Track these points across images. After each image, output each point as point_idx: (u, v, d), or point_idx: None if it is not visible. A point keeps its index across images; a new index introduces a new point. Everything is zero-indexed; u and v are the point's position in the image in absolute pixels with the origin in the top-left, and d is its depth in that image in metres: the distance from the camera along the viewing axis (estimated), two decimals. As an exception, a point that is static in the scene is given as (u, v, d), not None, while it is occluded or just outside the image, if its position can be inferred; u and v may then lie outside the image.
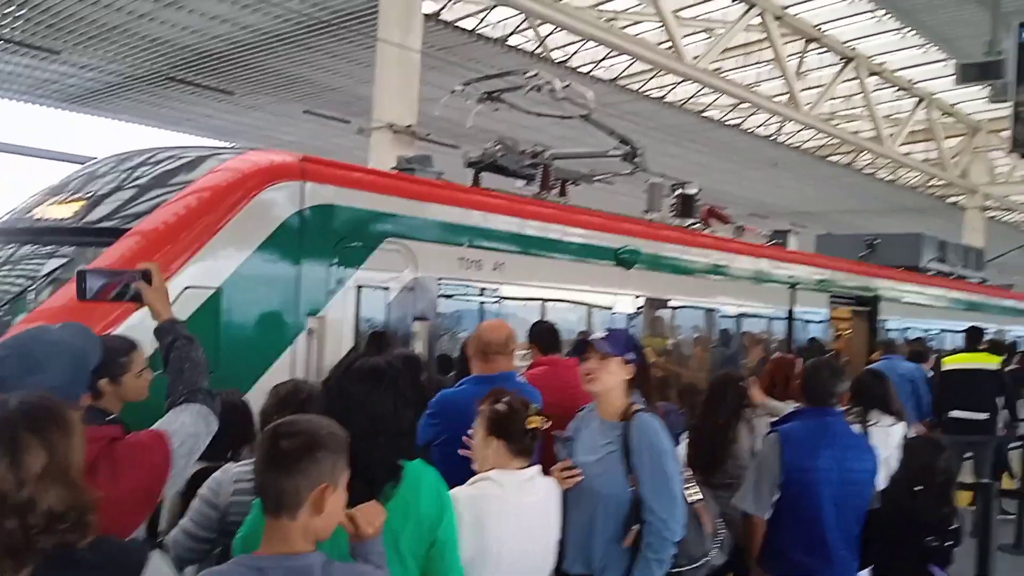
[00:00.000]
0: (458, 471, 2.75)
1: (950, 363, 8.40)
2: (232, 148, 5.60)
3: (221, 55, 13.19)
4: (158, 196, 4.07)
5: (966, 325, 10.11)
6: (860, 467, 3.39)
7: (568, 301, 6.16)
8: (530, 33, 14.62)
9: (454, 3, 13.55)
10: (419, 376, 3.91)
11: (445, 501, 2.33)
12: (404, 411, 2.26)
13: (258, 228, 4.05)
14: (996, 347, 8.94)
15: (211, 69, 13.83)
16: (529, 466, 2.70)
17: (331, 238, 4.38)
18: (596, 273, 6.23)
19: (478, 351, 3.45)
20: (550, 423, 2.85)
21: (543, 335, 4.35)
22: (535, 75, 6.68)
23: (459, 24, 12.29)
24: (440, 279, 4.98)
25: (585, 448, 2.97)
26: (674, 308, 7.38)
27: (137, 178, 4.35)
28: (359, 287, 4.50)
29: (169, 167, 4.36)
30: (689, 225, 7.69)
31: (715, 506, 3.17)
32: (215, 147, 6.67)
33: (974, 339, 8.53)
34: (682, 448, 4.00)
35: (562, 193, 6.76)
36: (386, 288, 4.65)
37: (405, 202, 4.81)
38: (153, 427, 2.14)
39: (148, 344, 2.64)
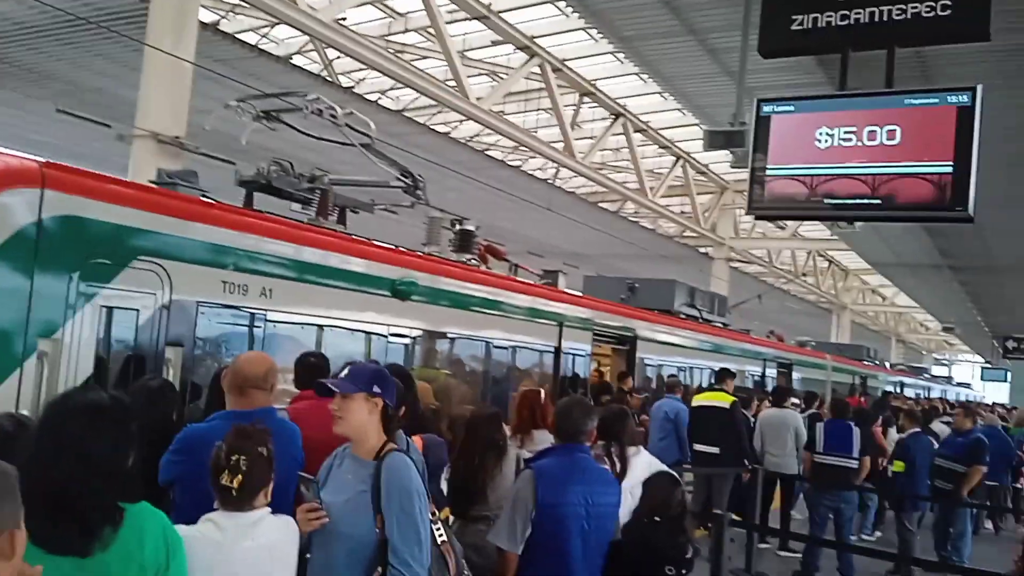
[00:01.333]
0: (203, 512, 2.60)
1: (697, 400, 9.20)
2: (-39, 145, 4.94)
3: (-40, 42, 11.65)
4: None
5: (711, 363, 11.12)
6: (605, 500, 3.58)
7: (342, 330, 6.02)
8: (316, 55, 14.39)
9: (235, 16, 13.02)
10: (167, 407, 3.62)
11: (173, 546, 2.18)
12: (126, 450, 2.07)
13: (-17, 237, 3.59)
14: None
15: (-53, 56, 12.17)
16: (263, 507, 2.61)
17: (73, 253, 3.98)
18: (372, 303, 6.16)
19: (233, 385, 3.24)
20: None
21: (309, 368, 4.19)
22: (316, 98, 6.54)
23: (240, 37, 11.79)
24: (199, 303, 4.68)
25: (336, 488, 2.89)
26: (449, 340, 7.48)
27: None
28: (105, 308, 4.10)
29: None
30: (467, 260, 7.85)
31: (460, 546, 3.19)
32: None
33: (722, 378, 9.38)
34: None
35: (340, 220, 6.64)
36: (136, 310, 4.28)
37: (162, 218, 4.48)
38: None
39: None
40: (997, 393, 36.01)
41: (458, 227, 8.07)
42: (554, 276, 9.75)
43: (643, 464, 4.54)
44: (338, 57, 13.37)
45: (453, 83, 12.13)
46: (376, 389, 2.92)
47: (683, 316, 12.86)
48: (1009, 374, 33.33)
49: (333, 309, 5.84)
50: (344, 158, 9.37)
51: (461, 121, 16.20)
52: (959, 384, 44.60)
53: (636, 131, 16.63)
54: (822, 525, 8.47)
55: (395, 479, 2.81)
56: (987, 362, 40.94)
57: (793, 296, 31.78)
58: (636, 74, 13.76)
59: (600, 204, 20.97)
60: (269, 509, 2.67)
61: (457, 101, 11.92)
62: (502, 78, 14.14)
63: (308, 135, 6.97)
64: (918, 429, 9.35)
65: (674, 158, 18.79)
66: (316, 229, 6.00)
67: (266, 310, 5.16)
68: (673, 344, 12.17)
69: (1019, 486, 12.55)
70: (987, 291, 23.80)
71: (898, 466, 9.07)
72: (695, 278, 17.79)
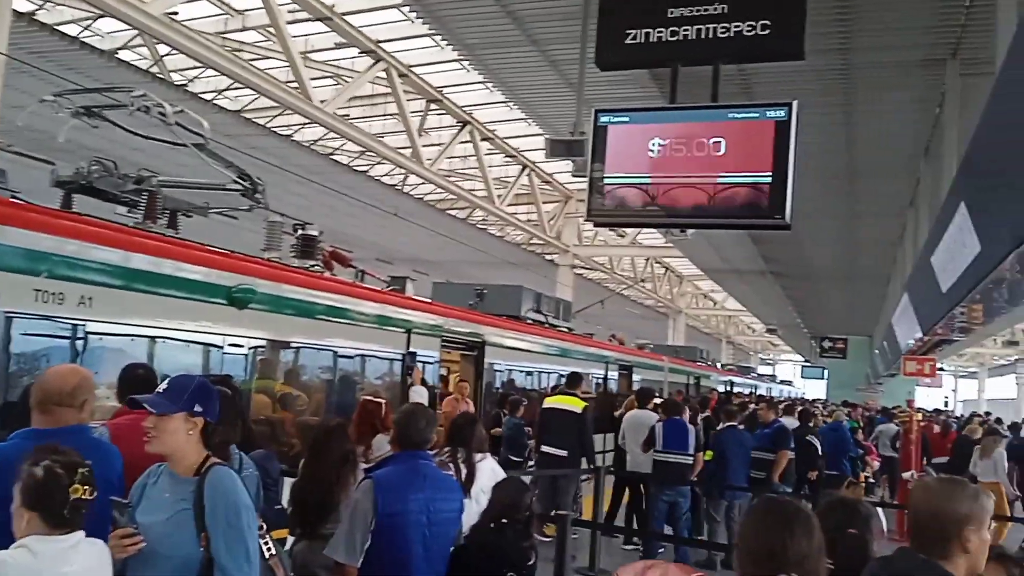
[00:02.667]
0: (5, 537, 2.39)
1: (548, 402, 9.39)
2: None
3: None
4: None
5: (557, 368, 11.35)
6: (448, 507, 3.56)
7: (174, 341, 5.68)
8: (147, 51, 13.57)
9: (54, 5, 12.07)
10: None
11: None
12: None
13: None
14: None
15: None
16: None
17: None
18: (206, 312, 5.85)
19: (38, 401, 2.95)
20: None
21: (133, 381, 3.90)
22: (143, 95, 6.15)
23: (60, 28, 10.92)
24: (7, 313, 4.27)
25: (153, 507, 2.70)
26: (291, 350, 7.23)
27: None
28: None
29: None
30: (310, 266, 7.62)
31: (288, 560, 3.08)
32: None
33: (572, 382, 9.62)
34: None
35: (171, 224, 6.27)
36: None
37: (-40, 222, 4.06)
38: None
39: None
40: (815, 390, 39.08)
41: (300, 232, 7.82)
42: (402, 283, 9.66)
43: (488, 470, 4.57)
44: (169, 53, 12.67)
45: (295, 85, 11.79)
46: (197, 408, 2.75)
47: (530, 321, 13.11)
48: (826, 372, 36.18)
49: (162, 318, 5.50)
50: (178, 159, 8.90)
51: (304, 124, 15.76)
52: (782, 382, 48.11)
53: (483, 139, 16.80)
54: (660, 520, 8.86)
55: (220, 493, 2.67)
56: (806, 361, 44.39)
57: (633, 301, 33.17)
58: (482, 83, 13.91)
59: (449, 211, 21.02)
60: (83, 533, 2.47)
61: (299, 103, 11.58)
62: (347, 81, 13.88)
63: (134, 134, 6.53)
64: (733, 423, 9.99)
65: (520, 167, 19.14)
66: (143, 233, 5.63)
67: (86, 320, 4.79)
68: (521, 349, 12.37)
69: (863, 476, 13.80)
70: (805, 295, 25.83)
71: (708, 455, 9.61)
72: (541, 284, 18.17)
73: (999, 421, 19.69)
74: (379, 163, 17.85)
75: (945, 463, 14.27)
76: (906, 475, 11.83)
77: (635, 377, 17.80)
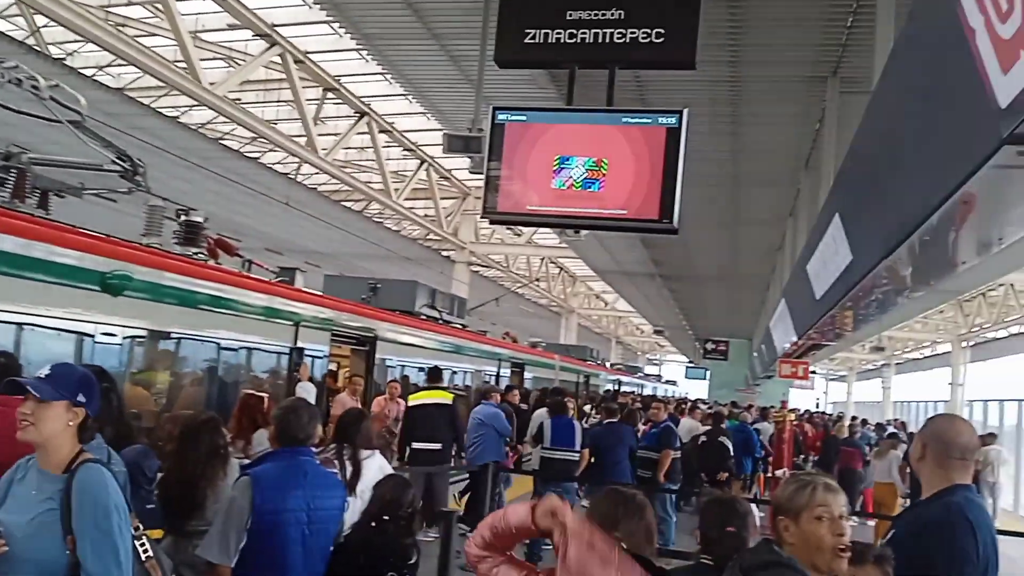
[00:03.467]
0: None
1: (415, 399, 9.34)
2: None
3: None
4: None
5: (450, 364, 11.30)
6: (328, 504, 3.47)
7: (40, 328, 5.32)
8: (23, 21, 12.71)
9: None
10: None
11: None
12: None
13: None
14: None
15: None
16: None
17: None
18: (77, 298, 5.52)
19: None
20: None
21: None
22: (15, 66, 5.75)
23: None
24: None
25: (18, 506, 2.52)
26: (171, 340, 6.91)
27: None
28: None
29: None
30: (193, 254, 7.31)
31: (169, 562, 2.94)
32: None
33: (435, 376, 9.61)
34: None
35: (42, 205, 5.88)
36: None
37: None
38: None
39: None
40: (698, 390, 40.52)
41: (184, 218, 7.48)
42: (291, 274, 9.39)
43: (375, 467, 4.50)
44: (47, 24, 11.89)
45: (183, 64, 11.28)
46: (81, 398, 2.61)
47: (424, 317, 13.02)
48: (708, 372, 37.59)
49: (28, 304, 5.15)
50: (52, 137, 8.37)
51: (192, 106, 15.11)
52: (667, 382, 49.69)
53: (381, 131, 16.56)
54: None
55: (88, 494, 2.51)
56: (690, 362, 45.99)
57: (527, 299, 33.51)
58: (381, 74, 13.71)
59: (344, 203, 20.63)
60: None
61: (187, 84, 11.09)
62: (239, 64, 13.39)
63: (3, 107, 6.09)
64: (613, 420, 10.22)
65: (419, 161, 18.98)
66: (9, 213, 5.26)
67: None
68: (413, 345, 12.27)
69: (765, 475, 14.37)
70: (690, 298, 26.76)
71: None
72: (438, 281, 18.10)
73: (864, 423, 20.94)
74: (272, 150, 17.33)
75: (816, 460, 15.08)
76: (779, 472, 12.42)
77: (527, 375, 17.97)
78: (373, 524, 3.65)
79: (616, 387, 29.27)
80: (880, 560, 2.64)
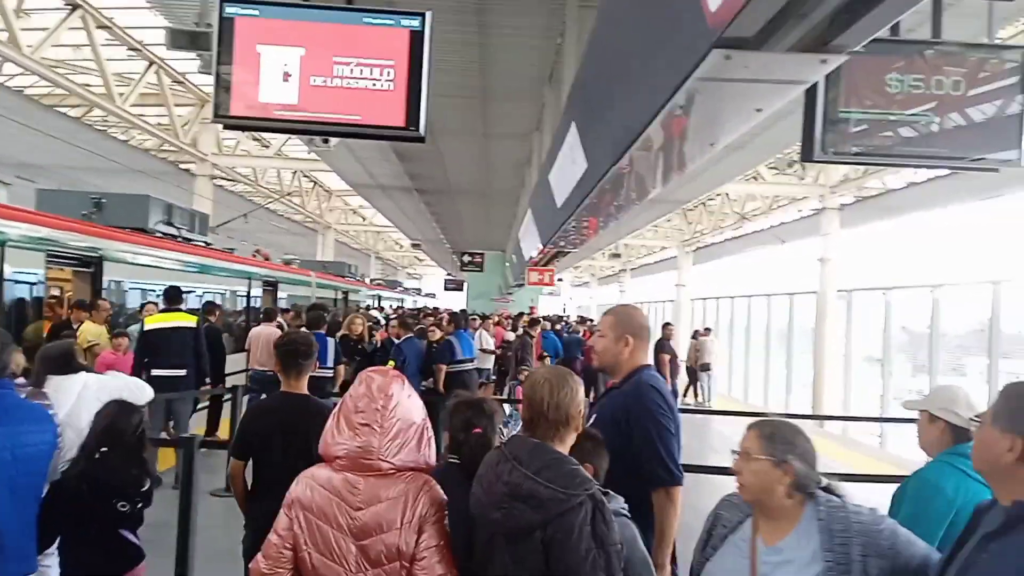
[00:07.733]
0: None
1: (151, 323, 8.69)
2: None
3: None
4: None
5: (193, 284, 10.52)
6: (37, 440, 3.09)
7: None
8: None
9: None
10: None
11: None
12: None
13: None
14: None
15: None
16: None
17: None
18: None
19: None
20: None
21: None
22: None
23: None
24: None
25: None
26: None
27: None
28: None
29: None
30: None
31: None
32: None
33: (174, 298, 8.98)
34: None
35: None
36: None
37: None
38: None
39: None
40: (457, 301, 41.55)
41: None
42: (-9, 188, 8.22)
43: (74, 392, 3.84)
44: None
45: None
46: None
47: (160, 235, 12.04)
48: (466, 284, 38.61)
49: None
50: None
51: None
52: (427, 295, 50.56)
53: (99, 27, 14.65)
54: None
55: None
56: (448, 275, 46.97)
57: (280, 216, 32.13)
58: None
59: (57, 108, 18.24)
60: None
61: None
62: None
63: None
64: (411, 335, 10.43)
65: (147, 63, 17.12)
66: None
67: None
68: (148, 266, 11.33)
69: None
70: (446, 211, 27.10)
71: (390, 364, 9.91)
72: (176, 196, 16.76)
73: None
74: (-39, 45, 14.75)
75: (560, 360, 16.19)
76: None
77: (281, 294, 17.39)
78: (97, 457, 3.34)
79: (376, 302, 29.30)
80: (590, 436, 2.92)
